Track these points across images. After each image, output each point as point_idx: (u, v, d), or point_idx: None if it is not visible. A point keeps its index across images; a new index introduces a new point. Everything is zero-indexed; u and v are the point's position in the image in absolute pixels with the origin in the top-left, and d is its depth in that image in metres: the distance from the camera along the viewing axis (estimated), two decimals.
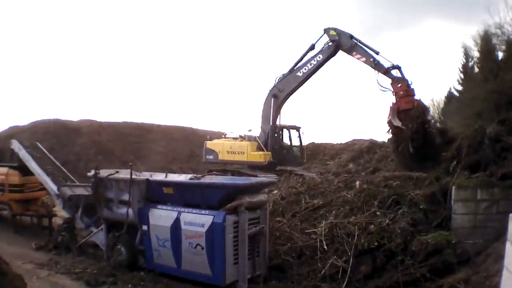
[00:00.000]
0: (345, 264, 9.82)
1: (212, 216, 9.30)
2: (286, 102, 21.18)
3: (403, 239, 9.93)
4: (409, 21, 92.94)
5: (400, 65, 16.58)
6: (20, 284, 5.95)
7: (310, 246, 10.50)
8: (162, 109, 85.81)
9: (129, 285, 9.81)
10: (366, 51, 17.59)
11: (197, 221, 9.46)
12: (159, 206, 10.32)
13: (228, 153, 21.93)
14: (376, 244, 9.95)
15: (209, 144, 23.00)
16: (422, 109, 15.23)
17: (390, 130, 15.60)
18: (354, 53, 17.95)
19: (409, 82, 16.09)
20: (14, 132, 33.79)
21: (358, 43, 17.95)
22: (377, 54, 17.28)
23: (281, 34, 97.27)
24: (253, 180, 11.03)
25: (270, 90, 21.03)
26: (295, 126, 22.81)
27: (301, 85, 20.47)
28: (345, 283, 9.53)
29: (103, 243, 11.75)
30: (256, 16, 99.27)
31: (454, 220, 10.24)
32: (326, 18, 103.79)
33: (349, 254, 9.92)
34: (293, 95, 20.93)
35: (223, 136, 23.48)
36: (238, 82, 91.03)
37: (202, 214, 9.51)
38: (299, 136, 22.92)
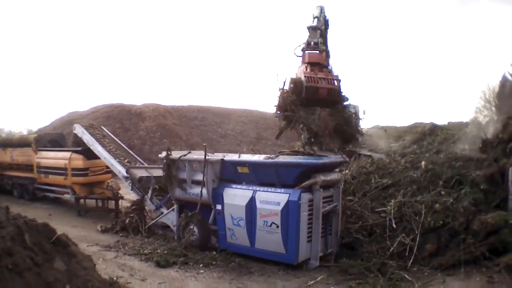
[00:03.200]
0: (412, 242, 9.87)
1: (288, 194, 9.37)
2: None
3: (466, 218, 9.90)
4: (462, 2, 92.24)
5: (318, 27, 15.01)
6: (89, 265, 5.94)
7: (380, 224, 10.54)
8: (226, 92, 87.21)
9: (201, 265, 9.91)
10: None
11: (273, 199, 9.54)
12: (233, 186, 10.42)
13: None
14: (441, 222, 9.97)
15: None
16: (297, 86, 13.89)
17: None
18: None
19: (316, 47, 14.34)
20: (74, 118, 34.54)
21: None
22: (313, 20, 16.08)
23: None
24: (326, 159, 11.09)
25: None
26: None
27: None
28: (411, 260, 9.56)
29: (174, 224, 11.89)
30: None
31: (511, 201, 10.23)
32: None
33: (416, 232, 9.97)
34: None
35: None
36: None
37: (278, 192, 9.58)
38: None
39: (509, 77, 30.14)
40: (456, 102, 76.34)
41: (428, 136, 21.37)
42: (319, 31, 14.95)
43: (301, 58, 14.66)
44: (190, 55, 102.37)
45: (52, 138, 21.15)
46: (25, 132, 42.97)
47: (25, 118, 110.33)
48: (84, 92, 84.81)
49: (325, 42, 17.09)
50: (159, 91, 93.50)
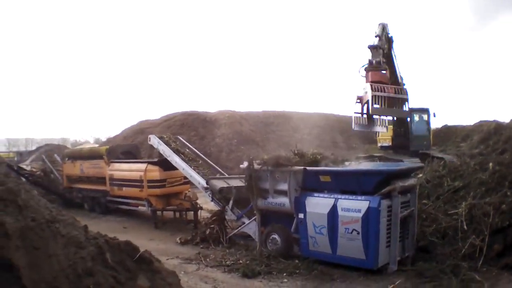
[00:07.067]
0: (481, 243, 10.16)
1: (368, 202, 9.73)
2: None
3: None
4: None
5: (380, 46, 14.82)
6: (174, 280, 6.01)
7: (452, 226, 10.89)
8: (300, 97, 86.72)
9: (284, 274, 10.16)
10: None
11: (354, 207, 9.88)
12: (315, 194, 10.74)
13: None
14: (507, 223, 10.25)
15: None
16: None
17: None
18: None
19: (379, 66, 14.14)
20: (146, 127, 35.02)
21: None
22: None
23: None
24: (404, 165, 11.40)
25: None
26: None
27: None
28: (480, 261, 9.88)
29: (256, 234, 12.10)
30: None
31: None
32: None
33: (485, 233, 10.27)
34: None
35: None
36: None
37: (358, 200, 9.93)
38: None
39: None
40: None
41: (493, 135, 21.62)
42: (381, 50, 14.92)
43: (365, 78, 14.42)
44: (261, 61, 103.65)
45: (126, 149, 21.37)
46: (91, 141, 43.40)
47: (91, 127, 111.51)
48: (152, 100, 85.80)
49: (391, 61, 17.22)
50: (230, 97, 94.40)
